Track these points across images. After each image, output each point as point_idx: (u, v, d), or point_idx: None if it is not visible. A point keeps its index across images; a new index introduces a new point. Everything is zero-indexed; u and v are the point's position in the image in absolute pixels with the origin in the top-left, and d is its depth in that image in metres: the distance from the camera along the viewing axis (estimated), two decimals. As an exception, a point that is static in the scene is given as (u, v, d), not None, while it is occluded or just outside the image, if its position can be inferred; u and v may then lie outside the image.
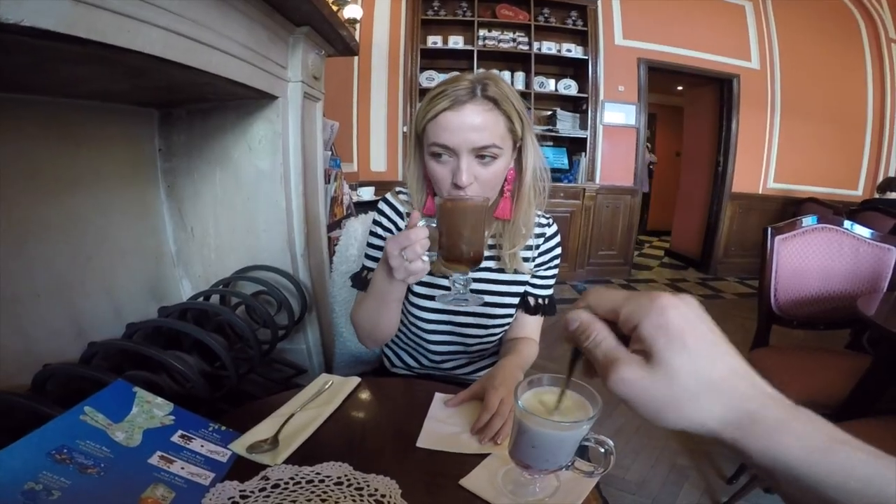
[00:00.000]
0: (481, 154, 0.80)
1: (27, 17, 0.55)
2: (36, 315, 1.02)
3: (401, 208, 0.97)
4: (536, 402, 0.55)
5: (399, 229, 0.97)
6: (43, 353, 1.00)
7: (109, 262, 1.22)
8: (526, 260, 0.99)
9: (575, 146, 4.51)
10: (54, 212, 1.07)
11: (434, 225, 0.74)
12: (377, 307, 0.87)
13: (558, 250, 1.03)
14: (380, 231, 0.99)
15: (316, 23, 1.33)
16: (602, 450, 0.55)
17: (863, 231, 1.77)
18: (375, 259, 0.98)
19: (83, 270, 1.15)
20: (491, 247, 0.97)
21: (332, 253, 1.72)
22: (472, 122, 0.78)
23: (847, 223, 1.78)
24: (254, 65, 1.13)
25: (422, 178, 0.91)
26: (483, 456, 0.69)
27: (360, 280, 0.99)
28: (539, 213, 0.99)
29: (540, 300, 1.04)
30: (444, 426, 0.75)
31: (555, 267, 1.04)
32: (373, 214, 1.22)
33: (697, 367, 0.30)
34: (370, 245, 1.00)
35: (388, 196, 1.00)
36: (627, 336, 0.34)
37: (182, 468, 0.61)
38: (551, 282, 1.04)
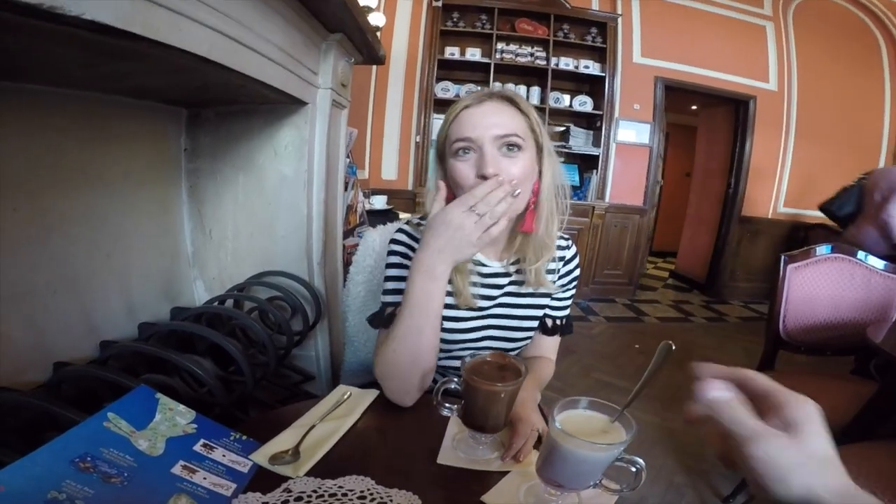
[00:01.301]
0: (504, 145, 0.82)
1: (88, 11, 0.55)
2: (50, 310, 1.00)
3: (420, 236, 0.90)
4: (573, 424, 0.56)
5: None
6: (54, 348, 1.00)
7: (126, 259, 1.21)
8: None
9: (587, 163, 4.50)
10: (75, 205, 1.06)
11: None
12: (417, 325, 0.78)
13: (577, 272, 1.03)
14: (396, 260, 0.93)
15: (349, 30, 1.33)
16: (633, 469, 0.57)
17: (876, 262, 1.79)
18: (397, 292, 0.90)
19: (101, 267, 1.14)
20: (515, 262, 0.96)
21: (345, 261, 1.72)
22: (492, 117, 0.82)
23: (861, 254, 1.80)
24: (288, 69, 1.13)
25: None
26: (504, 472, 0.69)
27: (384, 318, 0.90)
28: (559, 234, 0.99)
29: (558, 321, 1.03)
30: (464, 443, 0.75)
31: (573, 288, 1.04)
32: (391, 226, 1.21)
33: (826, 446, 0.40)
34: (389, 278, 0.93)
35: (406, 227, 0.96)
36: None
37: (204, 478, 0.60)
38: (569, 302, 1.04)
